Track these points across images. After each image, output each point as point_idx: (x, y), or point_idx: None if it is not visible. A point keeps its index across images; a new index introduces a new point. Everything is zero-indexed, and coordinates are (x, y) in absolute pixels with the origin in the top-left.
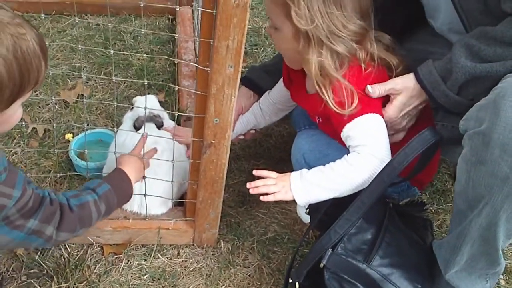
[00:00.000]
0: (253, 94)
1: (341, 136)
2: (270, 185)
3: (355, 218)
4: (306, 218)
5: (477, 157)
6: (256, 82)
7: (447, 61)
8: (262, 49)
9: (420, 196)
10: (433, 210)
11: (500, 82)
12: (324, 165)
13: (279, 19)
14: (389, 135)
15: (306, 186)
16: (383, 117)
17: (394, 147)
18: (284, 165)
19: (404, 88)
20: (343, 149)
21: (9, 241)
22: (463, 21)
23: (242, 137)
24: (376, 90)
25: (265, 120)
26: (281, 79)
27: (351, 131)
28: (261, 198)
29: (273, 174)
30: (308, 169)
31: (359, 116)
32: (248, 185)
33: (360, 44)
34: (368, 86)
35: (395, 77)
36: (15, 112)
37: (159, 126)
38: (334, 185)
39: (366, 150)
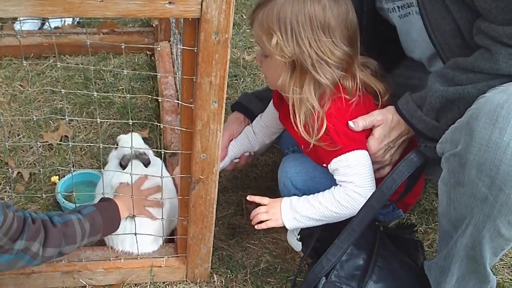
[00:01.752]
0: (244, 119)
1: (328, 168)
2: (262, 213)
3: (346, 245)
4: (297, 246)
5: (455, 179)
6: (247, 106)
7: (423, 91)
8: (242, 79)
9: (408, 217)
10: (422, 230)
11: (474, 104)
12: (311, 187)
13: (269, 47)
14: (374, 171)
15: (296, 216)
16: (368, 152)
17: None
18: (271, 194)
19: (384, 120)
20: (329, 172)
21: None
22: (441, 56)
23: (237, 160)
24: (359, 123)
25: (258, 143)
26: (272, 100)
27: (337, 166)
28: (256, 226)
29: (265, 200)
30: (296, 192)
31: (346, 152)
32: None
33: (346, 72)
34: (350, 122)
35: (381, 105)
36: None
37: (146, 164)
38: (322, 217)
39: (352, 188)
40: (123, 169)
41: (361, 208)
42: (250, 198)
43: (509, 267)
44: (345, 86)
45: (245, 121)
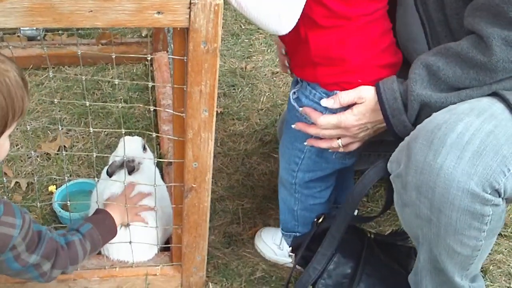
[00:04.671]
0: None
1: None
2: None
3: (330, 252)
4: (267, 253)
5: (401, 200)
6: None
7: (406, 87)
8: (240, 89)
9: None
10: None
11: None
12: None
13: None
14: (345, 143)
15: None
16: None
17: None
18: (268, 203)
19: (367, 99)
20: None
21: (7, 270)
22: (426, 33)
23: None
24: (344, 97)
25: None
26: None
27: None
28: None
29: None
30: None
31: None
32: None
33: None
34: (324, 101)
35: None
36: (3, 144)
37: (130, 171)
38: None
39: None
40: (110, 177)
41: (337, 216)
42: None
43: (506, 275)
44: None
45: None
